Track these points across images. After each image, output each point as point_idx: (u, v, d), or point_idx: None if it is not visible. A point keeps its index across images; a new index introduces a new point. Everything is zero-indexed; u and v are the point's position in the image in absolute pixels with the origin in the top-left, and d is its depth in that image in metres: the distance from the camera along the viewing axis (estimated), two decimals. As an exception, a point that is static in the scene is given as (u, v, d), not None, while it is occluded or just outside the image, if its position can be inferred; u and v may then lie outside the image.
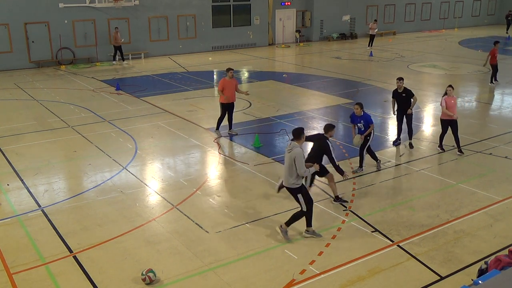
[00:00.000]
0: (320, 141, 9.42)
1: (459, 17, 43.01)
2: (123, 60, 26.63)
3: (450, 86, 12.23)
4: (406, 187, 10.43)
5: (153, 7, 28.03)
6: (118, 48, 26.10)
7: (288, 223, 8.30)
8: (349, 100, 17.77)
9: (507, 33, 36.69)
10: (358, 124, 11.04)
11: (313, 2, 34.22)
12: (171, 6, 28.62)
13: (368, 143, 11.08)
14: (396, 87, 12.49)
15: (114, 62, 26.25)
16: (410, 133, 12.66)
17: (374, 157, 11.37)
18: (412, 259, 7.70)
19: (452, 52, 28.92)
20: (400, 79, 12.42)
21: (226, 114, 13.64)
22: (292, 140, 8.15)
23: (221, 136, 13.58)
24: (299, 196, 8.17)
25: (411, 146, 12.62)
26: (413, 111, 12.58)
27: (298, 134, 8.09)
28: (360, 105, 10.97)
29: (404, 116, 12.50)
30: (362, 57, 28.00)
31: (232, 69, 13.71)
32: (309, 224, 8.34)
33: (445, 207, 9.41)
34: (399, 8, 39.17)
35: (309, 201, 8.23)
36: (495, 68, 20.37)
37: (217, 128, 13.68)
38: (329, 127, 9.50)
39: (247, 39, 32.22)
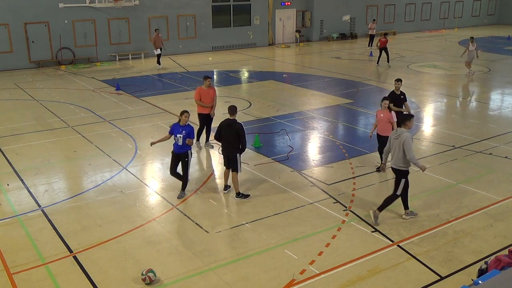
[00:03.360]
0: (233, 125, 9.57)
1: (459, 17, 43.02)
2: (159, 64, 24.72)
3: (385, 98, 10.96)
4: (406, 187, 10.42)
5: (153, 7, 28.03)
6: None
7: (381, 208, 8.78)
8: (349, 100, 17.77)
9: None
10: (178, 135, 9.49)
11: (313, 2, 34.23)
12: (171, 6, 28.62)
13: (189, 165, 9.79)
14: (393, 89, 12.12)
15: (159, 66, 24.65)
16: None
17: (185, 182, 9.90)
18: (412, 259, 7.70)
19: (452, 52, 28.92)
20: (399, 80, 12.11)
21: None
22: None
23: (201, 148, 12.77)
24: (403, 180, 8.60)
25: None
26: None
27: (403, 120, 8.69)
28: (188, 113, 9.69)
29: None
30: (362, 57, 28.00)
31: (210, 78, 12.56)
32: (406, 207, 8.94)
33: (445, 207, 9.41)
34: (399, 8, 39.18)
35: (407, 187, 8.73)
36: (381, 52, 24.59)
37: (197, 139, 12.69)
38: (233, 110, 9.72)
39: (247, 39, 32.22)
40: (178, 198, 9.86)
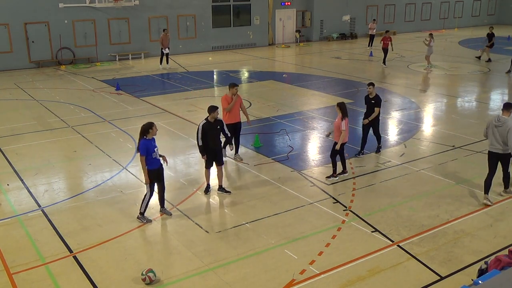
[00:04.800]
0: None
1: (459, 17, 43.01)
2: (167, 63, 24.55)
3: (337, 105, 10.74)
4: (406, 187, 10.43)
5: (153, 7, 28.03)
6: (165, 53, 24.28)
7: (506, 186, 9.80)
8: (349, 100, 17.75)
9: None
10: (155, 149, 8.85)
11: (313, 2, 34.23)
12: (171, 6, 28.62)
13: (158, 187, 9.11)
14: (367, 94, 11.85)
15: (167, 66, 24.59)
16: (379, 139, 12.19)
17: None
18: (412, 259, 7.70)
19: (452, 52, 28.93)
20: (371, 84, 11.79)
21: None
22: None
23: (227, 157, 11.90)
24: (511, 159, 9.42)
25: (378, 150, 12.20)
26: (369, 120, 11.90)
27: (507, 107, 9.18)
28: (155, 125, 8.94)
29: (371, 125, 11.91)
30: (362, 57, 27.99)
31: (237, 85, 11.62)
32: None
33: (445, 207, 9.41)
34: (399, 8, 39.19)
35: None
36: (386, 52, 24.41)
37: (224, 147, 11.66)
38: (210, 109, 9.69)
39: (247, 39, 32.22)
40: (163, 212, 9.30)
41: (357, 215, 9.10)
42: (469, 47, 31.44)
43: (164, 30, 24.64)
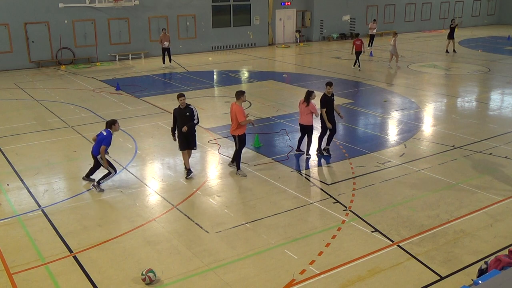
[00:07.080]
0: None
1: (459, 17, 43.00)
2: (170, 62, 24.78)
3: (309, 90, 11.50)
4: (406, 187, 10.43)
5: (153, 7, 28.04)
6: (165, 50, 24.45)
7: None
8: (349, 100, 17.78)
9: None
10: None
11: (313, 2, 34.24)
12: (171, 6, 28.62)
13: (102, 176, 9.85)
14: (325, 93, 11.86)
15: (169, 65, 24.72)
16: (328, 140, 12.25)
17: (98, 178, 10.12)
18: (412, 259, 7.70)
19: (452, 52, 28.90)
20: (329, 84, 11.83)
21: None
22: None
23: (246, 175, 11.01)
24: None
25: (322, 152, 12.20)
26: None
27: None
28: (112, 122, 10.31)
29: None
30: (362, 57, 27.95)
31: (244, 92, 11.14)
32: None
33: (445, 207, 9.41)
34: (399, 8, 39.19)
35: None
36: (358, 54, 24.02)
37: (238, 168, 11.12)
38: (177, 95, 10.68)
39: (247, 39, 32.22)
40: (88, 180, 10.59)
41: (357, 215, 9.10)
42: (469, 47, 31.42)
43: (163, 30, 24.86)
